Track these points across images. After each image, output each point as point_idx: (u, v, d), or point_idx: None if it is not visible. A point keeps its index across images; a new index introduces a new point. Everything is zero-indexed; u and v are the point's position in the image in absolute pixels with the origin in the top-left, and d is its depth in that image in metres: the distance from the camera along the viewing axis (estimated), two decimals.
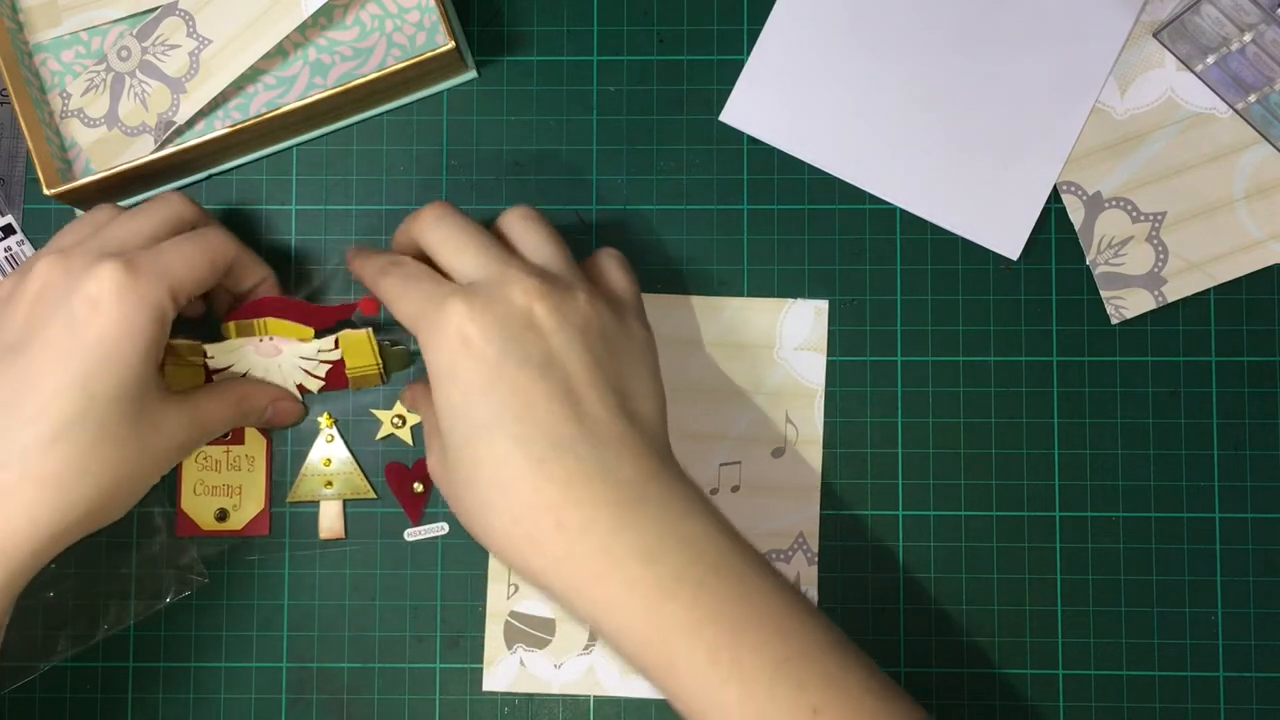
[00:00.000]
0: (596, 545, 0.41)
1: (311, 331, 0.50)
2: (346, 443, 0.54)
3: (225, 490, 0.53)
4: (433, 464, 0.46)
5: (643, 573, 0.40)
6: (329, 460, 0.54)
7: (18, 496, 0.42)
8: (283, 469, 0.54)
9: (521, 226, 0.46)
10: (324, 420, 0.54)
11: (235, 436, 0.53)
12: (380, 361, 0.51)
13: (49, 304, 0.43)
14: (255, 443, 0.54)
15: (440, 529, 0.54)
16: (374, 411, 0.54)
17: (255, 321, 0.50)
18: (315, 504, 0.54)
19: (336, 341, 0.50)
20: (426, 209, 0.46)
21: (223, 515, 0.53)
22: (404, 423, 0.54)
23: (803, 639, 0.41)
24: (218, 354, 0.50)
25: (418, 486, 0.53)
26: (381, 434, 0.54)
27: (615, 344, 0.44)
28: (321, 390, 0.52)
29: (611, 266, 0.48)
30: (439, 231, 0.45)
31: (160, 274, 0.43)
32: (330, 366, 0.51)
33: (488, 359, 0.41)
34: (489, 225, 0.47)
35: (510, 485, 0.41)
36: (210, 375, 0.51)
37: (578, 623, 0.43)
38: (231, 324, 0.50)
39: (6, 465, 0.42)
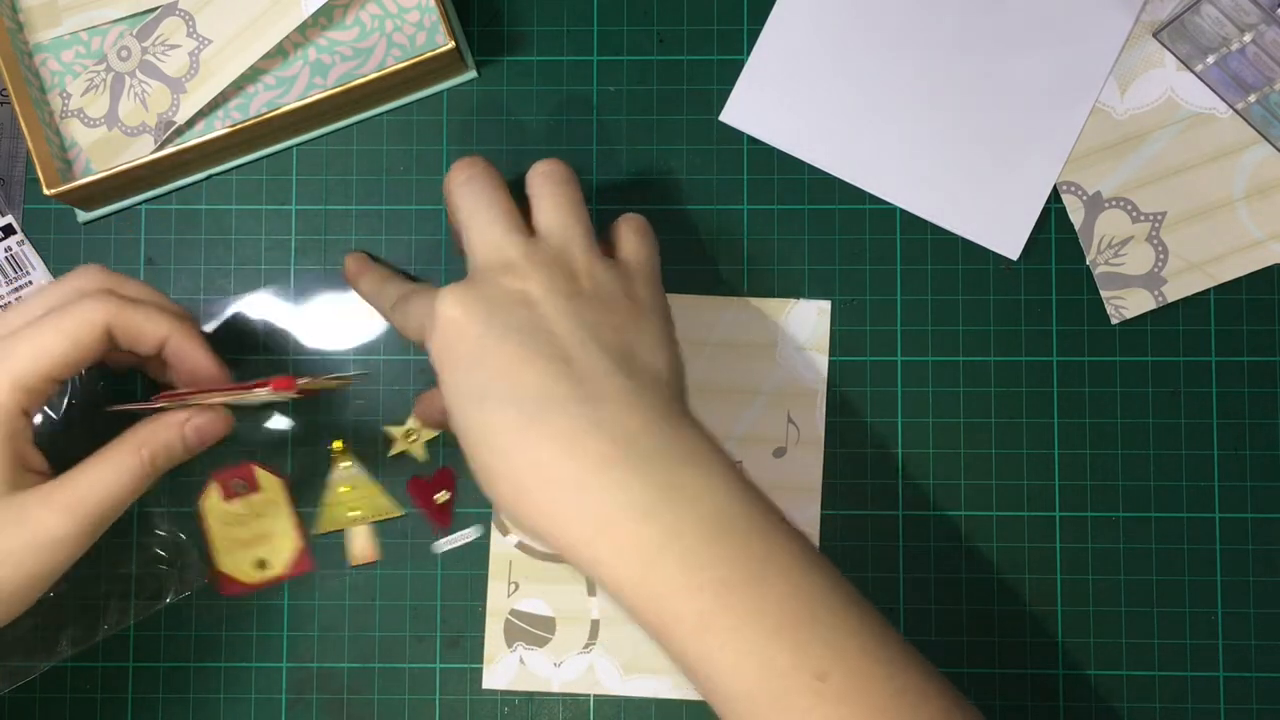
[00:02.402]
0: (588, 503, 0.40)
1: (246, 393, 0.46)
2: (363, 465, 0.54)
3: (257, 540, 0.53)
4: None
5: (634, 531, 0.40)
6: (349, 486, 0.53)
7: None
8: (307, 500, 0.54)
9: (541, 187, 0.46)
10: (336, 446, 0.53)
11: (250, 485, 0.53)
12: (328, 386, 0.50)
13: None
14: (272, 486, 0.53)
15: (472, 534, 0.53)
16: (386, 429, 0.54)
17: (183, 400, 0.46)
18: (342, 532, 0.54)
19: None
20: (455, 167, 0.46)
21: (263, 564, 0.53)
22: (417, 437, 0.53)
23: (806, 601, 0.40)
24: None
25: (441, 496, 0.53)
26: (395, 450, 0.54)
27: (615, 307, 0.44)
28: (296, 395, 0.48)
29: (626, 233, 0.48)
30: (462, 200, 0.46)
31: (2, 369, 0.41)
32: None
33: (475, 335, 0.42)
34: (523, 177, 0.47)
35: (507, 449, 0.41)
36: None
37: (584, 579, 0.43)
38: (164, 402, 0.46)
39: None
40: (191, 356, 0.46)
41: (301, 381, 0.46)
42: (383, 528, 0.54)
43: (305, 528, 0.53)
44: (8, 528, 0.41)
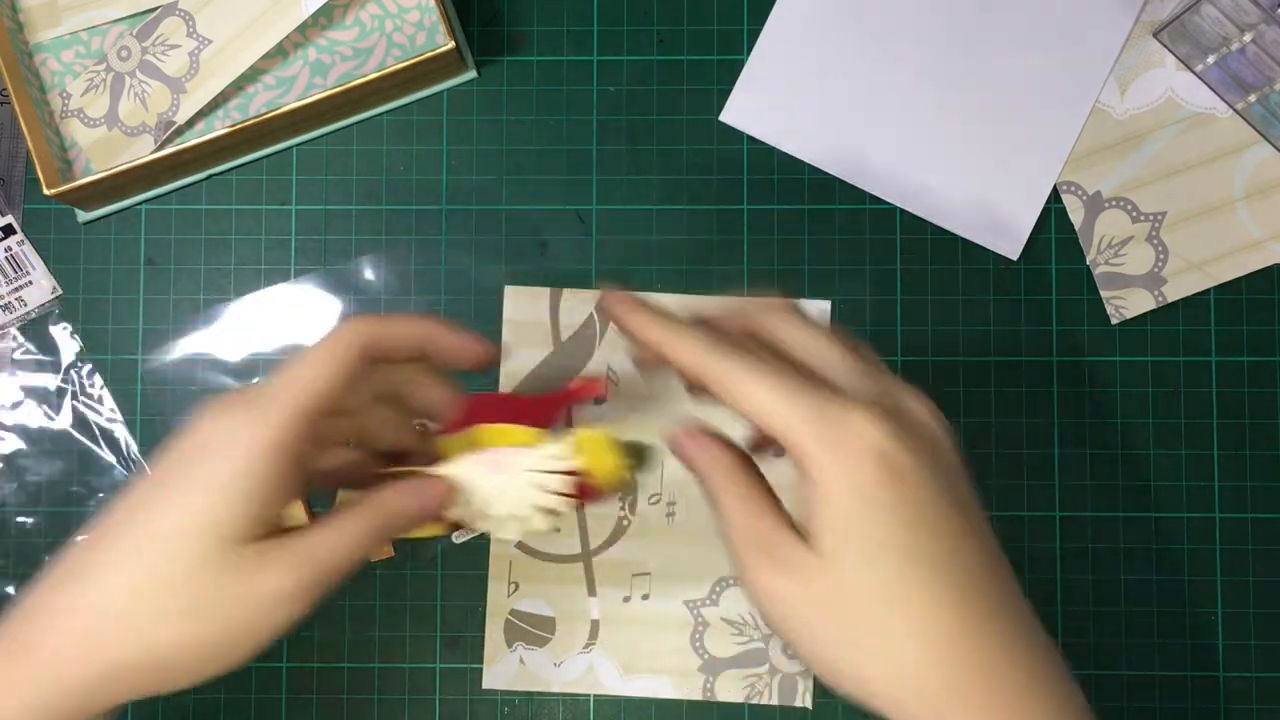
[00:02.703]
0: (983, 699, 0.37)
1: (534, 433, 0.43)
2: None
3: None
4: (778, 582, 0.39)
5: None
6: None
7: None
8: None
9: (851, 343, 0.42)
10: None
11: None
12: (630, 461, 0.44)
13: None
14: None
15: None
16: None
17: (466, 435, 0.43)
18: None
19: (572, 445, 0.43)
20: (779, 301, 0.42)
21: None
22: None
23: None
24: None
25: None
26: None
27: None
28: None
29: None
30: (808, 330, 0.41)
31: (275, 402, 0.40)
32: (572, 479, 0.43)
33: (913, 484, 0.38)
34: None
35: (928, 622, 0.38)
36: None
37: None
38: (440, 440, 0.44)
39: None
40: (453, 342, 0.44)
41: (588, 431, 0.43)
42: None
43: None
44: (240, 575, 0.40)
